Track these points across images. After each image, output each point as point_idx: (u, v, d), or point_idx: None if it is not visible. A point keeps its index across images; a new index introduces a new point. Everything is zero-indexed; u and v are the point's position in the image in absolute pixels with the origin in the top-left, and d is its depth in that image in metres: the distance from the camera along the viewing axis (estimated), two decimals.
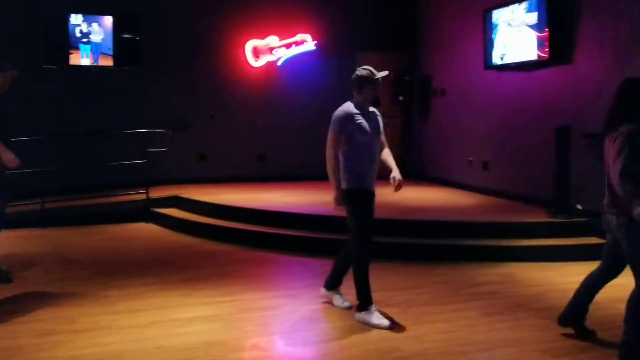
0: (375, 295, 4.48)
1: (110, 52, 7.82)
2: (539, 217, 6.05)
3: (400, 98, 8.92)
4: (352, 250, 4.07)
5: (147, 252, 5.89)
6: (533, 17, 6.55)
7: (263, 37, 8.67)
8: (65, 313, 4.11)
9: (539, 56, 6.54)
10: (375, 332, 3.79)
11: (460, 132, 8.31)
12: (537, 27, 6.52)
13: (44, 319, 4.00)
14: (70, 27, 7.64)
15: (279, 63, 8.76)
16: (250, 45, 8.63)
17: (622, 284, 3.59)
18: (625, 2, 5.70)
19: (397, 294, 4.57)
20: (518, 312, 4.19)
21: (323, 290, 4.35)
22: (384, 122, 4.18)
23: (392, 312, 4.17)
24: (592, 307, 3.66)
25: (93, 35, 7.75)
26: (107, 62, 7.83)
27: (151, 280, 4.91)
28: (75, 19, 7.64)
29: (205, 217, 6.79)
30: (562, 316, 3.67)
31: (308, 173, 8.86)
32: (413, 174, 8.96)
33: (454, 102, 8.45)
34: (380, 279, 4.96)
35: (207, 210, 6.86)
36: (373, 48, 9.17)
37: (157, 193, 7.49)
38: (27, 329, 3.80)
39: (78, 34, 7.68)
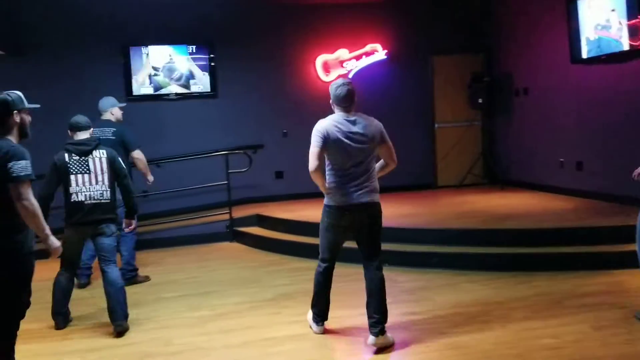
0: (471, 311, 4.30)
1: (188, 80, 8.09)
2: None
3: (480, 100, 8.59)
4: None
5: (234, 271, 5.96)
6: (622, 3, 6.10)
7: (333, 51, 8.66)
8: (161, 334, 4.20)
9: (630, 46, 6.07)
10: (475, 351, 3.58)
11: (547, 132, 7.87)
12: (626, 14, 6.06)
13: (142, 341, 4.10)
14: (149, 58, 7.96)
15: (349, 75, 8.71)
16: (320, 60, 8.65)
17: None
18: None
19: (494, 308, 4.32)
20: (633, 324, 3.83)
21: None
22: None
23: (491, 327, 3.94)
24: None
25: (171, 65, 8.04)
26: (185, 89, 8.10)
27: (240, 299, 4.94)
28: (154, 49, 7.96)
29: (288, 234, 6.79)
30: None
31: (385, 184, 8.69)
32: (498, 180, 8.58)
33: (539, 101, 8.01)
34: (473, 293, 4.75)
35: (289, 227, 6.87)
36: (446, 51, 8.92)
37: (239, 212, 7.60)
38: (126, 353, 3.90)
39: (157, 64, 7.99)
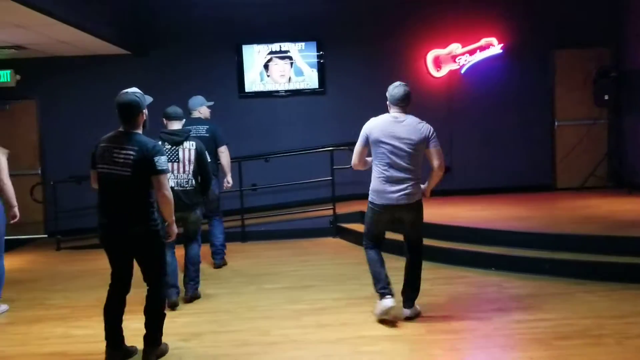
0: (583, 323, 3.97)
1: (299, 77, 8.25)
2: None
3: (606, 97, 7.88)
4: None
5: (334, 267, 5.98)
6: None
7: (445, 46, 8.39)
8: (259, 324, 4.32)
9: None
10: None
11: None
12: None
13: (241, 329, 4.24)
14: (260, 55, 8.18)
15: (462, 71, 8.39)
16: (431, 55, 8.42)
17: None
18: None
19: (610, 323, 3.95)
20: None
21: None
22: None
23: (604, 342, 3.59)
24: None
25: (281, 62, 8.25)
26: (294, 86, 8.26)
27: (339, 295, 4.95)
28: (265, 47, 8.18)
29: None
30: None
31: (499, 185, 8.29)
32: (625, 183, 7.82)
33: None
34: (588, 304, 4.38)
35: None
36: (568, 45, 8.30)
37: (343, 208, 7.63)
38: (225, 339, 4.06)
39: (268, 62, 8.24)
